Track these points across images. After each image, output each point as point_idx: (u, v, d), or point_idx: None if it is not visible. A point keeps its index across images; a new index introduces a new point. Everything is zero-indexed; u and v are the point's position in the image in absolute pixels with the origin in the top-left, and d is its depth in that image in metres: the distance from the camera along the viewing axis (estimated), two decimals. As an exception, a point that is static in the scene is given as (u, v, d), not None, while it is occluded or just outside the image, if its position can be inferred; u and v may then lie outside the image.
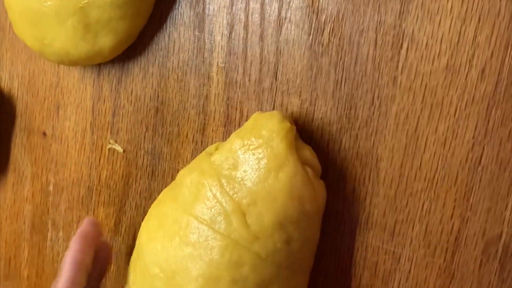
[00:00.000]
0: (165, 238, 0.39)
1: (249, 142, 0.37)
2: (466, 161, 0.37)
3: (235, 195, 0.37)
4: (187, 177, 0.39)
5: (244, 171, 0.37)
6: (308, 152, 0.38)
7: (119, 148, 0.48)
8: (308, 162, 0.38)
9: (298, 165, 0.37)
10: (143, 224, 0.42)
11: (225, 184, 0.37)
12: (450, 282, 0.39)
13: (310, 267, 0.40)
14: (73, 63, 0.45)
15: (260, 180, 0.36)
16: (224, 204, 0.37)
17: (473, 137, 0.37)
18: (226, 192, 0.37)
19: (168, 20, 0.44)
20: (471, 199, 0.37)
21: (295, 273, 0.38)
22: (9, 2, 0.45)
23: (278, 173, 0.36)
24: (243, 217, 0.36)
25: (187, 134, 0.45)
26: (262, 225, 0.36)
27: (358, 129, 0.40)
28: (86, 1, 0.41)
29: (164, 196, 0.41)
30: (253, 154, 0.37)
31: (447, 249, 0.39)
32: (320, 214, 0.39)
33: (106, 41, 0.43)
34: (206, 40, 0.43)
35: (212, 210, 0.37)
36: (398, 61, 0.38)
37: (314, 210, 0.37)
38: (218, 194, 0.37)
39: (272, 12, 0.41)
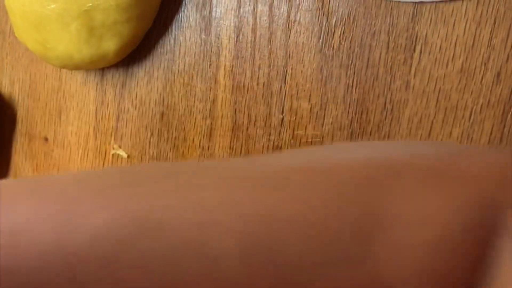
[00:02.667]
0: None
1: None
2: (481, 166, 0.36)
3: None
4: None
5: None
6: None
7: (123, 154, 0.47)
8: None
9: None
10: None
11: None
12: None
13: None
14: (76, 67, 0.44)
15: None
16: None
17: (488, 142, 0.36)
18: None
19: (174, 23, 0.43)
20: (486, 205, 0.37)
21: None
22: (11, 5, 0.44)
23: None
24: None
25: (193, 139, 0.44)
26: None
27: (370, 134, 0.39)
28: (90, 4, 0.40)
29: None
30: None
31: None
32: None
33: (110, 45, 0.42)
34: (213, 43, 0.42)
35: None
36: (411, 65, 0.37)
37: None
38: None
39: (281, 14, 0.40)
